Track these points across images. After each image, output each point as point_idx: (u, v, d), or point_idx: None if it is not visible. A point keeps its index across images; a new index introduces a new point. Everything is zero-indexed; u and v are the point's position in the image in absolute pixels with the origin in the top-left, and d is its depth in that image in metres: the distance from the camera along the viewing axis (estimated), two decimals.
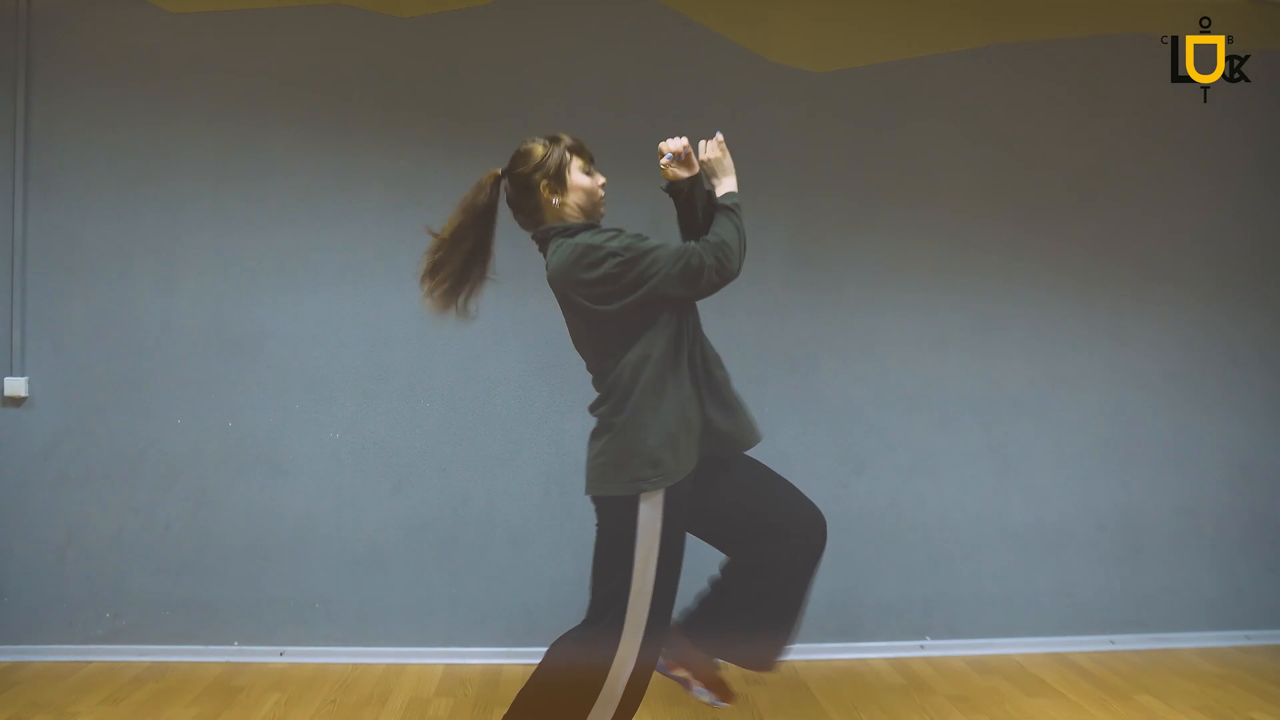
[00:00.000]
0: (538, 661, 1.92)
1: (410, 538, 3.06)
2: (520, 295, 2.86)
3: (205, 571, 3.04)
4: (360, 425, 3.05)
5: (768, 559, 1.98)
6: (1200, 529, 3.31)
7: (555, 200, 1.98)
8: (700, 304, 3.23)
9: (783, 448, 3.16)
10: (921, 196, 3.26)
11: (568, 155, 1.99)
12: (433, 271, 1.99)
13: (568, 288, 1.91)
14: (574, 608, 2.92)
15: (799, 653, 3.10)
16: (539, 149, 2.00)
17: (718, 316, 3.07)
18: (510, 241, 2.08)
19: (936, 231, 3.26)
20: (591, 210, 2.02)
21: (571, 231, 1.94)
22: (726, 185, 2.01)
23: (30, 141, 3.05)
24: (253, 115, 3.09)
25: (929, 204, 3.26)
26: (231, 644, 3.03)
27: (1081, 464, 3.28)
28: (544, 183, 1.98)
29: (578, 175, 1.99)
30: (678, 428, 1.86)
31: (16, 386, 3.00)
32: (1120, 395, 3.31)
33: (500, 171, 2.03)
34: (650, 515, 1.84)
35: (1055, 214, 3.31)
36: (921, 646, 3.19)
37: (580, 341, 2.00)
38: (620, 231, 1.93)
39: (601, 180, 2.03)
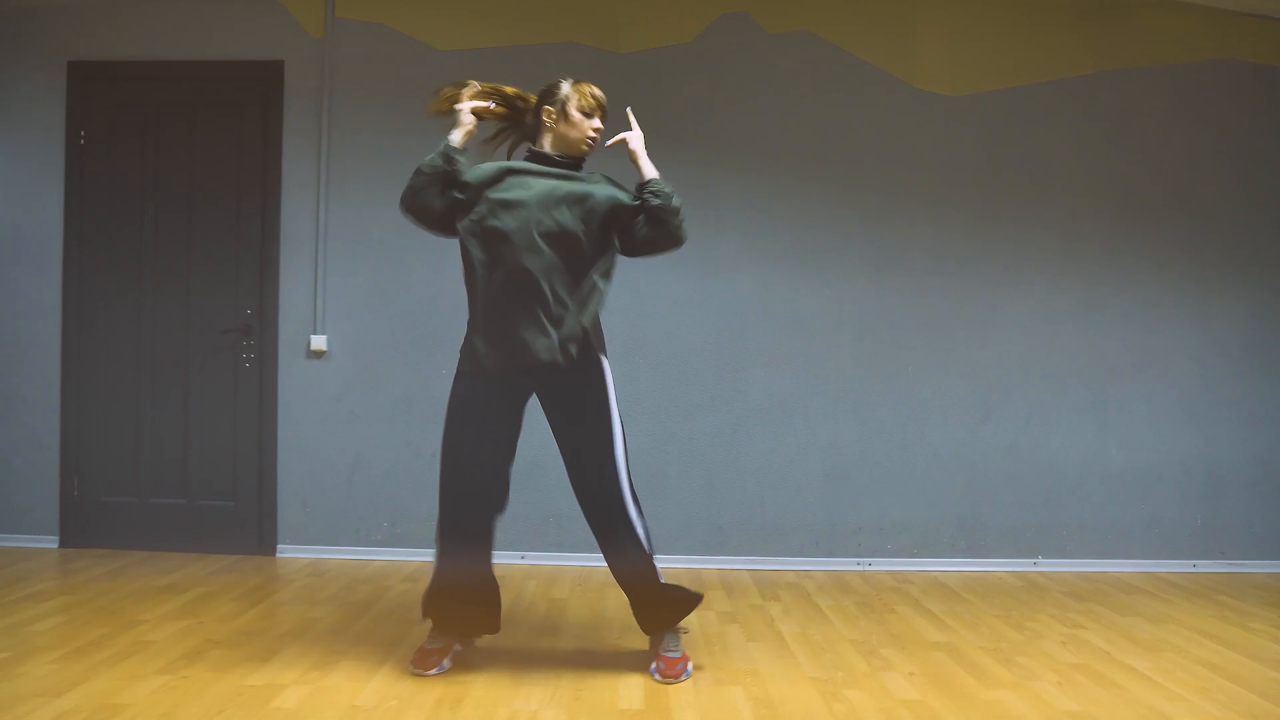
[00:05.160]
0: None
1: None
2: (709, 276, 3.60)
3: None
4: None
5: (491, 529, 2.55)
6: (1272, 475, 3.93)
7: (548, 122, 2.38)
8: (863, 282, 4.08)
9: (924, 399, 3.85)
10: (1039, 198, 3.88)
11: (574, 94, 2.35)
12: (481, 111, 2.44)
13: None
14: (754, 524, 3.64)
15: (937, 564, 3.82)
16: (559, 84, 2.42)
17: (874, 297, 3.78)
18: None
19: (1051, 227, 3.89)
20: (571, 146, 2.38)
21: (519, 155, 2.39)
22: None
23: (331, 154, 3.80)
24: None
25: (1046, 204, 3.89)
26: None
27: (1170, 419, 3.91)
28: (548, 109, 2.39)
29: (576, 113, 2.36)
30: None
31: (319, 343, 3.78)
32: (1205, 362, 3.92)
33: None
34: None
35: (1152, 212, 3.91)
36: (1035, 563, 3.86)
37: None
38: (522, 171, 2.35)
39: (597, 125, 2.38)
